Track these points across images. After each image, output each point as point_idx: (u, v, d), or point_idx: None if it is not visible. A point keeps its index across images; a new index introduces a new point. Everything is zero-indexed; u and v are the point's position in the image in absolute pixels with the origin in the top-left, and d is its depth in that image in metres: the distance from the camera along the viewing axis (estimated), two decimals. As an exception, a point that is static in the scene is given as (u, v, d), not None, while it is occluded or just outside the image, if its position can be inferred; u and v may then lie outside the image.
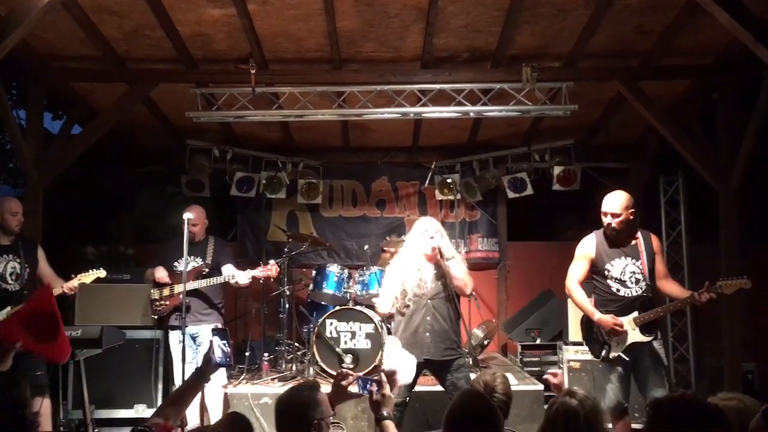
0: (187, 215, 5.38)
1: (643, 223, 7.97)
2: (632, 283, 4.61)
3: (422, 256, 4.65)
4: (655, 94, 6.54)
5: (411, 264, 4.69)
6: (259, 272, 5.79)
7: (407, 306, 4.60)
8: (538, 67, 6.08)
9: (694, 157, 6.36)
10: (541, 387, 6.03)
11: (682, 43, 5.94)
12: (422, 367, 4.67)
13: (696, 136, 6.78)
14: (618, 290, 4.65)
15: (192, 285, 5.56)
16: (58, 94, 7.15)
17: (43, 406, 4.83)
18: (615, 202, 4.63)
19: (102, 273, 5.30)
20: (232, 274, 5.72)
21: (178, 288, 5.54)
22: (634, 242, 4.67)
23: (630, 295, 4.61)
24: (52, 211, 6.69)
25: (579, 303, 4.79)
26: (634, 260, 4.63)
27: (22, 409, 2.86)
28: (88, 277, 5.22)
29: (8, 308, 5.00)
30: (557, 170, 7.80)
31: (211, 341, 3.24)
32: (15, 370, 4.62)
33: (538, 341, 7.22)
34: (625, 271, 4.64)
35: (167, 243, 5.99)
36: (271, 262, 5.90)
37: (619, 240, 4.68)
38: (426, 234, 4.62)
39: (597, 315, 4.62)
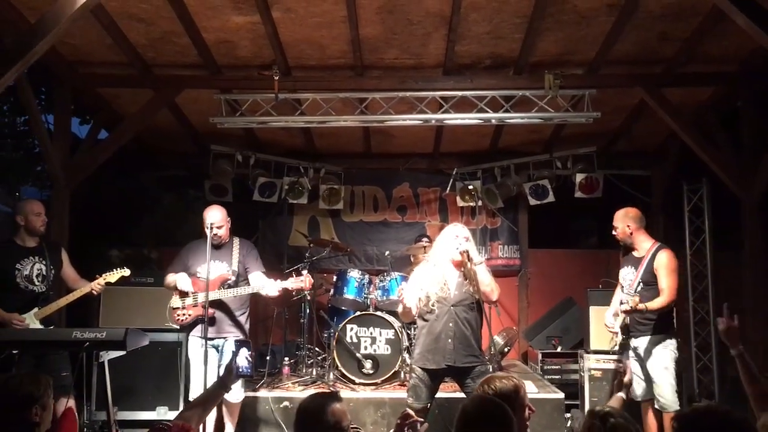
0: (212, 218, 5.18)
1: (666, 231, 8.01)
2: (627, 289, 5.18)
3: (449, 262, 4.66)
4: (679, 102, 6.51)
5: (437, 268, 4.68)
6: (290, 284, 5.29)
7: (430, 312, 4.60)
8: (561, 74, 6.10)
9: (718, 165, 6.31)
10: (561, 395, 6.01)
11: (706, 50, 5.90)
12: (444, 374, 4.67)
13: (719, 143, 6.73)
14: (620, 294, 5.32)
15: (217, 294, 5.16)
16: (86, 99, 7.28)
17: (68, 406, 4.90)
18: (616, 216, 5.28)
19: (126, 272, 5.32)
20: (262, 285, 5.25)
21: (202, 297, 5.12)
22: (642, 256, 5.15)
23: (623, 299, 5.12)
24: (78, 214, 6.79)
25: None
26: (634, 270, 5.16)
27: (26, 409, 2.87)
28: (114, 276, 5.26)
29: (35, 309, 5.08)
30: (579, 177, 7.77)
31: (233, 351, 3.27)
32: (40, 368, 4.71)
33: (558, 349, 7.19)
34: (625, 279, 5.25)
35: (189, 246, 5.50)
36: (305, 273, 5.43)
37: (629, 250, 5.29)
38: (457, 239, 4.62)
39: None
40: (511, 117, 6.50)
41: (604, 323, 5.42)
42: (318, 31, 5.73)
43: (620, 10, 5.34)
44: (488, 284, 4.58)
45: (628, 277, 5.20)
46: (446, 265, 4.66)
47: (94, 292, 5.25)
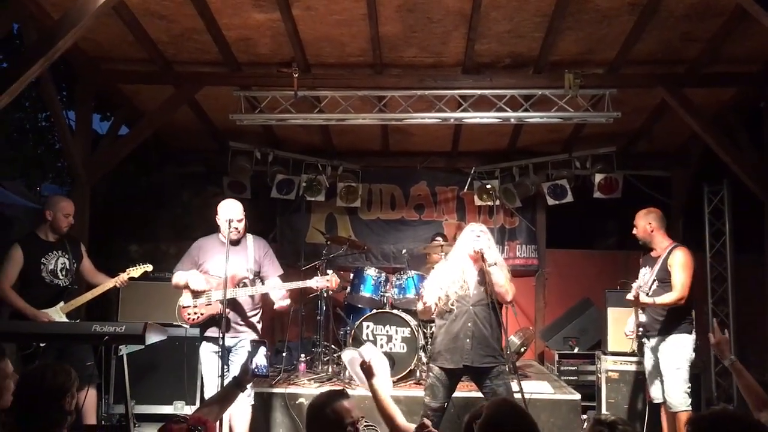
0: (231, 212, 4.93)
1: (686, 233, 7.94)
2: (643, 288, 5.17)
3: (468, 259, 4.65)
4: (701, 102, 6.43)
5: (455, 266, 4.68)
6: (315, 283, 5.08)
7: (449, 311, 4.59)
8: (581, 74, 6.07)
9: (740, 166, 6.24)
10: (577, 396, 5.98)
11: (729, 50, 5.84)
12: (461, 374, 4.66)
13: (742, 144, 6.65)
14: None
15: (231, 293, 4.89)
16: (107, 96, 7.33)
17: (89, 396, 4.96)
18: (638, 215, 5.36)
19: (149, 267, 5.39)
20: (273, 286, 5.04)
21: (216, 295, 4.91)
22: (658, 255, 5.23)
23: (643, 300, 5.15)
24: (98, 209, 6.85)
25: None
26: (651, 270, 5.24)
27: (61, 398, 2.95)
28: (137, 271, 5.33)
29: (61, 303, 5.15)
30: (598, 178, 7.71)
31: (250, 351, 3.27)
32: (64, 359, 4.78)
33: (575, 350, 7.15)
34: (643, 278, 5.28)
35: (198, 243, 5.20)
36: (330, 272, 5.18)
37: (648, 250, 5.36)
38: (473, 234, 4.64)
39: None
40: (531, 116, 6.48)
41: (624, 331, 5.45)
42: (338, 28, 5.74)
43: (642, 9, 5.30)
44: (502, 285, 4.56)
45: (646, 276, 5.25)
46: (465, 263, 4.65)
47: (119, 286, 5.32)
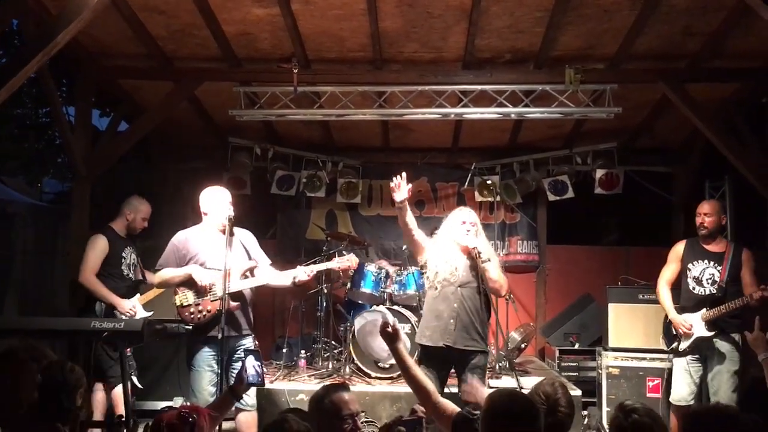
0: (227, 198, 4.66)
1: (687, 229, 7.90)
2: (708, 283, 5.21)
3: (457, 246, 4.67)
4: (702, 98, 6.40)
5: (446, 252, 4.69)
6: (336, 264, 4.87)
7: (436, 288, 4.63)
8: (582, 69, 6.04)
9: (742, 162, 6.21)
10: (578, 392, 5.97)
11: (731, 45, 5.81)
12: (443, 355, 4.62)
13: (744, 140, 6.62)
14: (693, 288, 5.29)
15: (240, 285, 4.56)
16: (106, 91, 7.32)
17: (118, 390, 5.09)
18: (709, 205, 5.38)
19: None
20: (294, 274, 4.67)
21: (220, 291, 4.44)
22: (722, 251, 5.25)
23: (703, 293, 5.22)
24: (98, 205, 6.84)
25: (660, 301, 5.50)
26: (716, 265, 5.21)
27: (70, 394, 2.96)
28: None
29: (137, 295, 5.24)
30: (599, 173, 7.68)
31: (243, 361, 3.28)
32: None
33: (576, 346, 7.15)
34: (704, 273, 5.25)
35: (181, 237, 4.79)
36: (351, 254, 4.98)
37: (707, 242, 5.31)
38: (464, 226, 4.67)
39: (671, 314, 5.34)
40: (531, 112, 6.45)
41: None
42: (337, 23, 5.72)
43: (643, 3, 5.28)
44: (497, 280, 4.62)
45: (708, 271, 5.23)
46: (454, 248, 4.69)
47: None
